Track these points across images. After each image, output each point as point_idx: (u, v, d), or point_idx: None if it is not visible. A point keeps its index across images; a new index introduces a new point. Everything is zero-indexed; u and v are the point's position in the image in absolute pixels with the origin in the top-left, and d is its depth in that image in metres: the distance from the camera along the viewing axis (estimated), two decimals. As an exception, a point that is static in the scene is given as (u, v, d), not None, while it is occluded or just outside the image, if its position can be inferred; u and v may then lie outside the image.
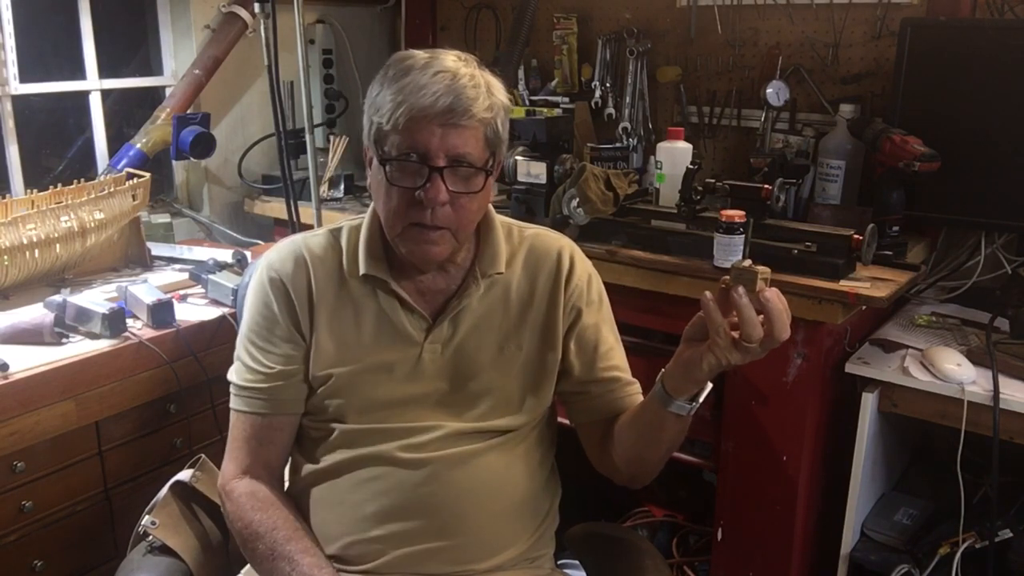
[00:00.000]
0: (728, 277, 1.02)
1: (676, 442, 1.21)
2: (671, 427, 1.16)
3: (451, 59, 1.16)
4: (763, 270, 1.01)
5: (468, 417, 1.26)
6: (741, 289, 1.00)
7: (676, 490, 2.29)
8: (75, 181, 2.06)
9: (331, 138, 2.62)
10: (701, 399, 1.13)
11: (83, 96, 2.39)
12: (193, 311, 1.96)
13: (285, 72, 2.28)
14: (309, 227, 2.22)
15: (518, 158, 2.05)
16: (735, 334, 1.02)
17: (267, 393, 1.26)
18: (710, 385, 1.12)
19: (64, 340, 1.75)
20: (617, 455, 1.26)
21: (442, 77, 1.13)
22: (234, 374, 1.29)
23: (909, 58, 1.95)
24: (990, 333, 1.78)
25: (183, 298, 2.02)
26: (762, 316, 1.01)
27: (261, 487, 1.26)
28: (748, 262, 1.02)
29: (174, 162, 2.53)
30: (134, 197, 2.09)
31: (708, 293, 1.03)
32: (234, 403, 1.28)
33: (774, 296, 1.01)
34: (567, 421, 1.36)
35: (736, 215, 1.69)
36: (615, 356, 1.31)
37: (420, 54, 1.17)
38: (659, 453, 1.23)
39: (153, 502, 1.37)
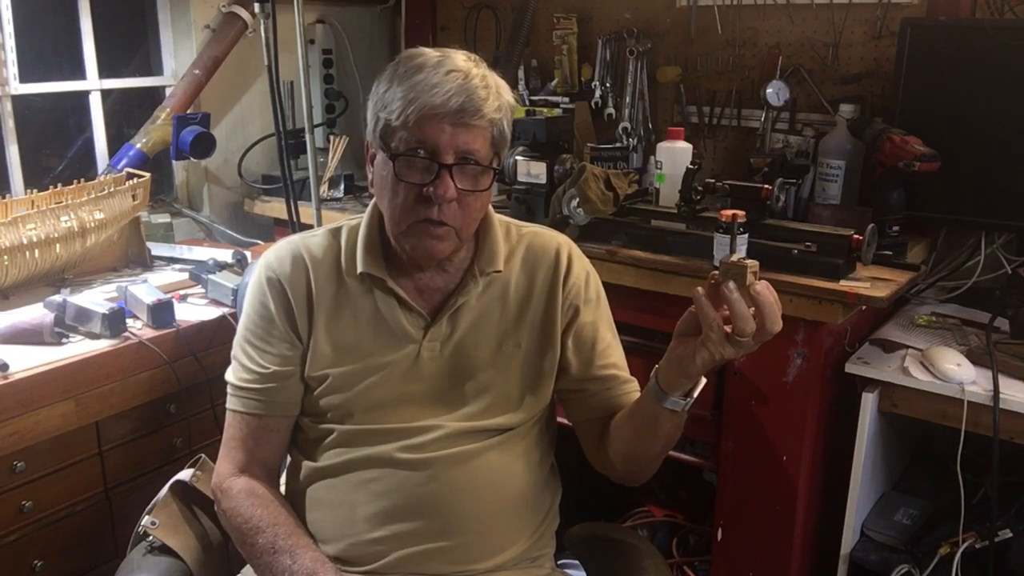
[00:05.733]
0: (717, 272, 1.02)
1: (672, 439, 1.21)
2: (666, 423, 1.16)
3: (462, 59, 1.17)
4: (752, 263, 1.01)
5: (467, 415, 1.25)
6: (732, 284, 1.01)
7: (676, 490, 2.29)
8: (75, 181, 2.06)
9: (331, 138, 2.63)
10: (695, 394, 1.13)
11: (83, 96, 2.40)
12: (193, 311, 1.96)
13: (285, 72, 2.27)
14: (309, 227, 2.22)
15: (518, 158, 2.05)
16: (727, 328, 1.02)
17: (263, 394, 1.26)
18: (704, 380, 1.12)
19: (64, 340, 1.75)
20: (613, 452, 1.26)
21: (454, 76, 1.13)
22: (231, 374, 1.29)
23: (909, 58, 1.95)
24: (990, 333, 1.78)
25: (183, 298, 2.02)
26: (753, 309, 1.01)
27: (259, 485, 1.26)
28: (736, 256, 1.03)
29: (174, 162, 2.53)
30: (134, 197, 2.09)
31: (700, 288, 1.03)
32: (230, 403, 1.29)
33: (764, 289, 1.01)
34: (566, 420, 1.36)
35: (736, 214, 1.68)
36: (613, 354, 1.31)
37: (431, 52, 1.18)
38: (655, 450, 1.23)
39: (153, 502, 1.37)
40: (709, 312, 1.02)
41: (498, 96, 1.17)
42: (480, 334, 1.26)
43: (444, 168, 1.14)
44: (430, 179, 1.15)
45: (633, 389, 1.30)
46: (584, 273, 1.32)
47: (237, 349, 1.30)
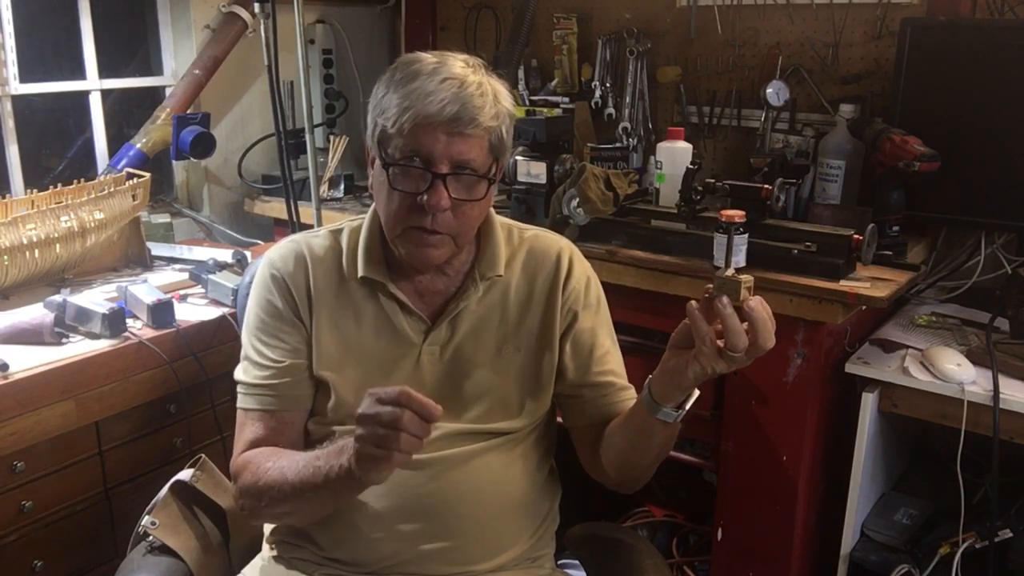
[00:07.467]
0: (711, 286, 1.02)
1: (665, 449, 1.20)
2: (659, 434, 1.16)
3: (459, 65, 1.15)
4: (746, 279, 1.01)
5: (466, 419, 1.25)
6: (725, 299, 1.00)
7: (676, 490, 2.29)
8: (75, 181, 2.06)
9: (331, 138, 2.63)
10: (688, 406, 1.12)
11: (83, 96, 2.39)
12: (193, 311, 1.96)
13: (285, 72, 2.27)
14: (309, 227, 2.22)
15: (518, 158, 2.05)
16: (720, 343, 1.02)
17: (277, 389, 1.24)
18: (697, 393, 1.12)
19: (64, 340, 1.75)
20: (606, 459, 1.25)
21: (449, 84, 1.12)
22: (241, 372, 1.27)
23: (909, 58, 1.95)
24: (990, 333, 1.78)
25: (183, 298, 2.02)
26: (746, 324, 1.00)
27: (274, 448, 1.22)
28: (731, 271, 1.02)
29: (174, 162, 2.53)
30: (134, 197, 2.09)
31: (693, 302, 1.03)
32: (242, 402, 1.26)
33: (758, 305, 1.00)
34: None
35: (736, 215, 1.68)
36: (610, 360, 1.31)
37: (428, 58, 1.16)
38: (647, 459, 1.22)
39: (153, 502, 1.37)
40: (702, 326, 1.02)
41: (495, 103, 1.15)
42: (480, 339, 1.26)
43: (438, 178, 1.13)
44: (424, 188, 1.14)
45: (629, 397, 1.29)
46: (585, 278, 1.32)
47: (247, 347, 1.28)
